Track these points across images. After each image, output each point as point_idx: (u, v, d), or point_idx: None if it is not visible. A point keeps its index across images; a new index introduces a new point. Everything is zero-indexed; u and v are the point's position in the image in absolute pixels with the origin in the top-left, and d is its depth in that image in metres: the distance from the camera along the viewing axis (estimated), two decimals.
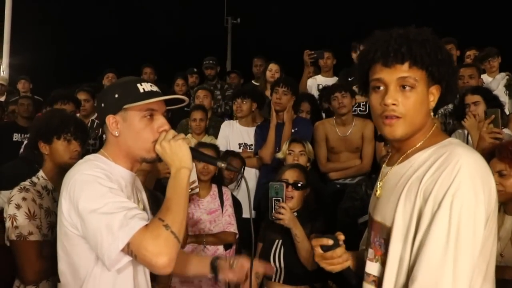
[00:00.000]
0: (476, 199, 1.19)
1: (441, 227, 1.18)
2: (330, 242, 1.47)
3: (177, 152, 1.52)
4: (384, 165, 1.47)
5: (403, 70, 1.28)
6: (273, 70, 5.01)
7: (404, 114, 1.29)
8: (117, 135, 1.55)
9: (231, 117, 4.74)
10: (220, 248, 3.11)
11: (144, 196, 1.78)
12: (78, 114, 4.53)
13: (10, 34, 11.31)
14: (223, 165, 1.63)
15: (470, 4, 13.29)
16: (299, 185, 2.67)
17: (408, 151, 1.35)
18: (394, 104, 1.28)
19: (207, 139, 4.18)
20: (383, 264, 1.34)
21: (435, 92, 1.32)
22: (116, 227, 1.36)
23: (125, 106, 1.52)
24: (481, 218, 1.20)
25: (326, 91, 4.44)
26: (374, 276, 1.39)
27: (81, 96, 4.71)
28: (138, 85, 1.55)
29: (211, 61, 5.98)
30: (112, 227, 1.36)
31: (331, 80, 5.24)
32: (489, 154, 2.32)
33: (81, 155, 2.34)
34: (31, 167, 2.64)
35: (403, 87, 1.28)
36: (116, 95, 1.55)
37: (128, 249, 1.36)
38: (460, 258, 1.16)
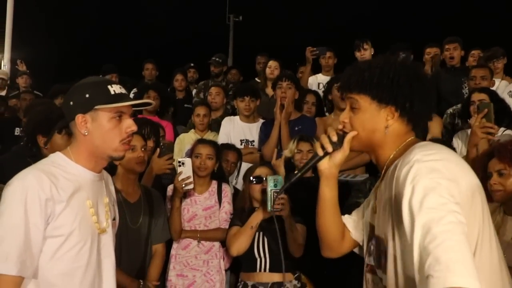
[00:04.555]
0: (434, 178, 1.23)
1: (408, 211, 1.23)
2: (335, 138, 1.51)
3: None
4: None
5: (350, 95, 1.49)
6: (272, 67, 4.99)
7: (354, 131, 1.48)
8: (85, 134, 1.60)
9: (233, 113, 4.72)
10: (216, 244, 3.10)
11: (109, 200, 1.76)
12: None
13: (11, 29, 11.31)
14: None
15: (477, 4, 13.25)
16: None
17: (384, 166, 1.47)
18: (344, 122, 1.50)
19: (210, 135, 4.16)
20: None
21: (391, 113, 1.43)
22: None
23: (96, 107, 1.58)
24: (446, 188, 1.22)
25: (329, 83, 4.42)
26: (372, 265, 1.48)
27: None
28: (109, 86, 1.61)
29: (217, 59, 5.96)
30: None
31: None
32: (488, 155, 2.32)
33: None
34: (23, 160, 2.60)
35: (351, 107, 1.48)
36: (87, 95, 1.59)
37: None
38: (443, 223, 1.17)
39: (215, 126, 4.40)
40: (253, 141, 4.05)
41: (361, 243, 1.67)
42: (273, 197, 2.49)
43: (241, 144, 3.98)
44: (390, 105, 1.42)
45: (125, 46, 14.89)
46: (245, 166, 3.80)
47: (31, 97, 5.40)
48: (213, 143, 3.26)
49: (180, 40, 16.21)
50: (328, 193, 1.59)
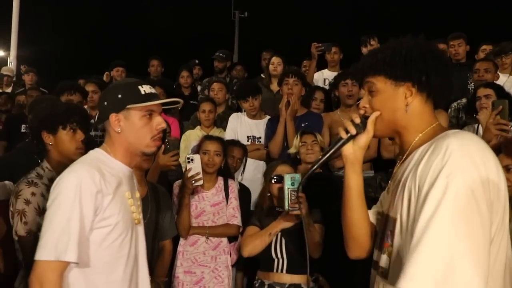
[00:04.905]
0: (473, 180, 1.20)
1: (432, 202, 1.20)
2: (358, 120, 1.50)
3: None
4: (397, 164, 1.52)
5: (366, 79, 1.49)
6: (275, 63, 4.97)
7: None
8: (119, 131, 1.71)
9: (239, 109, 4.72)
10: (224, 240, 3.11)
11: (137, 194, 1.87)
12: (86, 106, 4.56)
13: (17, 26, 11.36)
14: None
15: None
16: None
17: (409, 149, 1.43)
18: (364, 107, 1.49)
19: (215, 131, 4.17)
20: (390, 255, 1.39)
21: (408, 90, 1.42)
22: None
23: (128, 106, 1.69)
24: (482, 200, 1.19)
25: (335, 78, 4.40)
26: (382, 267, 1.43)
27: (89, 87, 4.72)
28: (140, 87, 1.72)
29: (220, 54, 5.95)
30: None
31: None
32: (495, 150, 2.31)
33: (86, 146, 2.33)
34: (29, 157, 2.59)
35: (369, 91, 1.48)
36: (119, 95, 1.71)
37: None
38: (467, 234, 1.15)
39: (217, 122, 4.42)
40: (260, 137, 4.05)
41: None
42: (290, 196, 2.46)
43: (247, 141, 3.98)
44: (407, 82, 1.40)
45: (130, 43, 14.92)
46: (251, 162, 3.81)
47: (38, 94, 5.41)
48: (220, 140, 3.27)
49: (185, 36, 16.22)
50: (355, 180, 1.53)
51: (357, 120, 1.48)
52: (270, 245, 2.68)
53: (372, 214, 1.63)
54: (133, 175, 1.86)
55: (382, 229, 1.49)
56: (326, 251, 2.69)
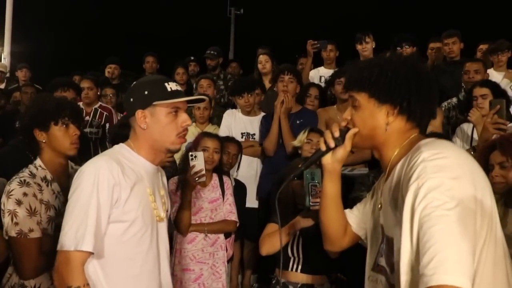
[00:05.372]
0: (438, 177, 1.22)
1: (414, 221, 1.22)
2: (337, 134, 1.53)
3: None
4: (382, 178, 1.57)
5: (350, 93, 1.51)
6: (263, 61, 4.95)
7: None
8: (145, 128, 1.72)
9: (234, 106, 4.72)
10: (221, 236, 3.12)
11: (165, 192, 1.89)
12: (81, 103, 4.54)
13: (11, 22, 11.30)
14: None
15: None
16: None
17: (388, 164, 1.47)
18: (346, 119, 1.53)
19: (210, 128, 4.17)
20: (386, 274, 1.43)
21: (390, 110, 1.43)
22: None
23: (154, 103, 1.70)
24: (449, 189, 1.21)
25: (331, 75, 4.40)
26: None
27: (85, 84, 4.71)
28: (166, 84, 1.74)
29: (212, 52, 5.94)
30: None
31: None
32: (490, 147, 2.33)
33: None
34: (22, 154, 2.51)
35: (353, 105, 1.50)
36: (146, 92, 1.72)
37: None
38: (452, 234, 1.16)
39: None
40: (254, 134, 4.06)
41: (363, 237, 1.68)
42: (311, 191, 2.42)
43: (242, 137, 3.99)
44: (388, 104, 1.43)
45: (125, 39, 14.86)
46: (244, 158, 3.82)
47: (32, 90, 5.39)
48: (218, 137, 3.29)
49: (181, 33, 16.18)
50: (331, 187, 1.63)
51: (336, 134, 1.52)
52: (287, 243, 2.63)
53: (350, 214, 1.71)
54: (159, 172, 1.87)
55: (377, 247, 1.52)
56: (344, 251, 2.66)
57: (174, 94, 1.72)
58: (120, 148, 1.77)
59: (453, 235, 1.16)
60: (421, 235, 1.19)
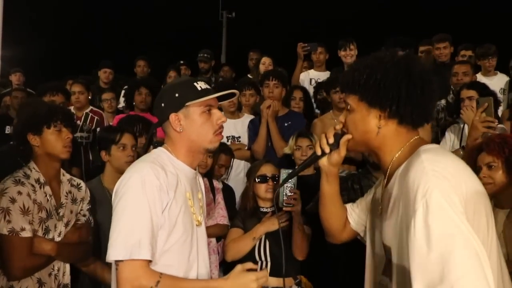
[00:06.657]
0: (445, 195, 1.21)
1: (420, 232, 1.20)
2: (331, 140, 1.56)
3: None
4: (381, 185, 1.56)
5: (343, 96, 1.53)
6: (266, 64, 5.02)
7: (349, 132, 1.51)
8: (180, 131, 1.69)
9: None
10: (213, 240, 3.12)
11: (202, 196, 1.85)
12: (71, 107, 4.53)
13: (1, 26, 11.23)
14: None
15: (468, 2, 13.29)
16: (277, 177, 2.70)
17: (388, 170, 1.44)
18: (342, 122, 1.53)
19: None
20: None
21: (381, 113, 1.41)
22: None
23: (187, 104, 1.66)
24: (458, 210, 1.20)
25: (326, 83, 4.43)
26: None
27: (76, 88, 4.69)
28: (195, 84, 1.70)
29: (205, 55, 5.96)
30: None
31: (324, 75, 5.26)
32: (478, 149, 2.35)
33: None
34: (14, 160, 2.52)
35: (346, 108, 1.49)
36: (177, 94, 1.69)
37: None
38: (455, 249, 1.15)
39: None
40: (239, 137, 4.08)
41: (361, 234, 1.70)
42: (286, 191, 2.44)
43: (227, 141, 4.00)
44: (378, 107, 1.41)
45: (116, 43, 14.81)
46: (235, 162, 3.81)
47: (23, 94, 5.35)
48: None
49: (173, 36, 16.15)
50: (328, 188, 1.66)
51: (331, 140, 1.54)
52: (254, 247, 2.63)
53: (351, 211, 1.73)
54: (197, 176, 1.85)
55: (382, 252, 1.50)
56: (313, 253, 2.67)
57: (205, 92, 1.69)
58: (160, 152, 1.72)
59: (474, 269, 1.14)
60: (440, 265, 1.15)
